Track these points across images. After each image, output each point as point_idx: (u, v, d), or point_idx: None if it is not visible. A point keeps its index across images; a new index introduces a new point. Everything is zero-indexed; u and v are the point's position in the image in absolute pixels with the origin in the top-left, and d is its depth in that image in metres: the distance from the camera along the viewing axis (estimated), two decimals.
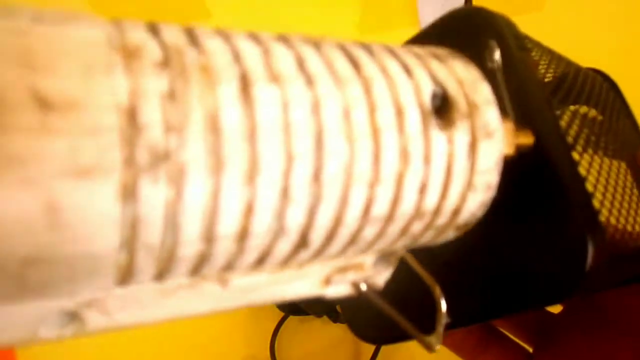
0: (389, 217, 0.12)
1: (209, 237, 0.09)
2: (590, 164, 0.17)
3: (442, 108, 0.12)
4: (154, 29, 0.10)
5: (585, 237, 0.15)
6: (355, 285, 0.13)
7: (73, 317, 0.10)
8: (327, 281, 0.13)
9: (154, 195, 0.08)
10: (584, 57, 0.52)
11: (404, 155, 0.11)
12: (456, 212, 0.13)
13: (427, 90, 0.12)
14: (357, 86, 0.11)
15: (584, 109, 0.20)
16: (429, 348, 0.15)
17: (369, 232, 0.12)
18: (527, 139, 0.15)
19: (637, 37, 0.50)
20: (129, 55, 0.09)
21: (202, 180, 0.09)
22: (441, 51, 0.14)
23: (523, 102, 0.16)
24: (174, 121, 0.09)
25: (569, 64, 0.20)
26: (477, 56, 0.16)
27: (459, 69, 0.13)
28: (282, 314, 0.39)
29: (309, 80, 0.10)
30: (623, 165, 0.19)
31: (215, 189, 0.09)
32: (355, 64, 0.11)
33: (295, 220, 0.10)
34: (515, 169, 0.15)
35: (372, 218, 0.11)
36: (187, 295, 0.11)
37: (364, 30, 0.57)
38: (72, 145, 0.08)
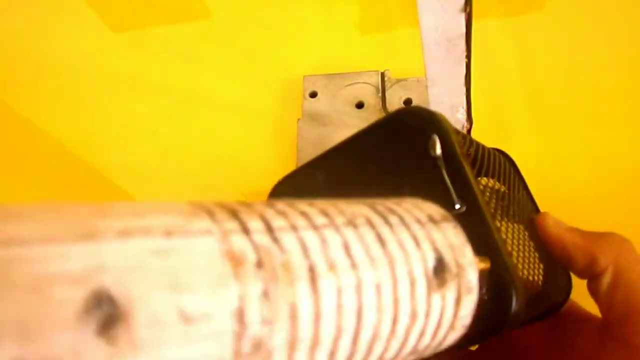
0: (396, 356, 0.15)
1: None
2: (506, 229, 0.22)
3: (438, 269, 0.15)
4: (245, 228, 0.12)
5: (511, 285, 0.19)
6: None
7: None
8: None
9: None
10: (584, 56, 0.52)
11: (413, 315, 0.14)
12: (439, 345, 0.17)
13: (431, 259, 0.15)
14: (385, 265, 0.14)
15: (491, 182, 0.25)
16: None
17: None
18: (485, 265, 0.20)
19: (637, 37, 0.50)
20: (237, 263, 0.11)
21: (281, 356, 0.11)
22: (436, 214, 0.17)
23: (459, 184, 0.21)
24: (267, 316, 0.11)
25: (478, 144, 0.26)
26: (421, 147, 0.22)
27: (450, 235, 0.17)
28: None
29: (354, 265, 0.13)
30: (522, 227, 0.24)
31: None
32: (382, 242, 0.14)
33: None
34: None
35: (384, 359, 0.15)
36: None
37: (364, 30, 0.57)
38: (204, 347, 0.10)
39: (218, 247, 0.11)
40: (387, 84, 0.48)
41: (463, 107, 0.36)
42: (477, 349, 0.28)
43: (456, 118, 0.37)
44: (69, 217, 0.09)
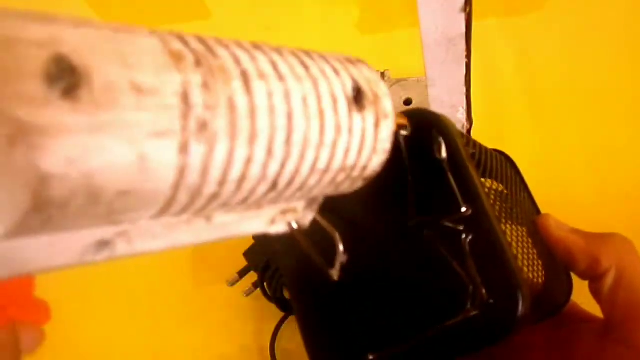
0: (326, 170, 0.17)
1: (223, 180, 0.14)
2: (511, 232, 0.22)
3: (358, 97, 0.18)
4: (183, 40, 0.13)
5: (517, 289, 0.19)
6: (289, 225, 0.19)
7: (106, 245, 0.14)
8: (273, 221, 0.19)
9: (197, 151, 0.13)
10: (584, 56, 0.52)
11: (338, 128, 0.17)
12: (365, 168, 0.18)
13: (349, 85, 0.17)
14: (309, 82, 0.16)
15: (494, 184, 0.25)
16: (331, 277, 0.22)
17: (313, 179, 0.17)
18: (403, 120, 0.22)
19: (637, 37, 0.50)
20: (177, 59, 0.13)
21: (225, 142, 0.13)
22: (353, 58, 0.19)
23: (465, 187, 0.21)
24: (210, 102, 0.13)
25: (480, 146, 0.26)
26: (427, 147, 0.22)
27: (366, 71, 0.19)
28: (282, 314, 0.39)
29: (281, 77, 0.15)
30: (524, 229, 0.24)
31: (231, 148, 0.13)
32: (305, 67, 0.16)
33: (273, 170, 0.15)
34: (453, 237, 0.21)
35: (316, 170, 0.17)
36: (184, 228, 0.16)
37: (364, 30, 0.57)
38: (155, 117, 0.12)
39: (160, 45, 0.13)
40: (387, 84, 0.48)
41: (463, 107, 0.36)
42: None
43: (456, 118, 0.37)
44: (29, 11, 0.11)
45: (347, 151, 0.17)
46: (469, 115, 0.38)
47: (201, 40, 0.14)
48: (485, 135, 0.27)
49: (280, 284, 0.38)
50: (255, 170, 0.14)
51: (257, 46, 0.16)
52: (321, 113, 0.16)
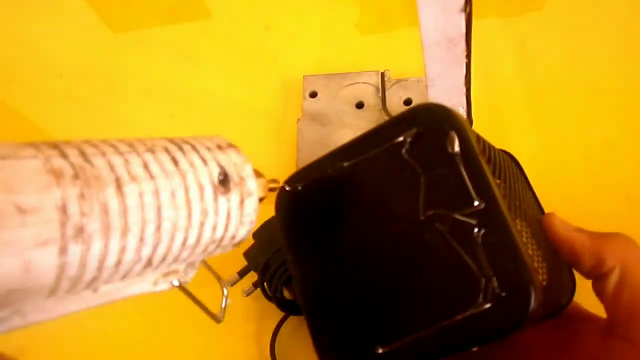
0: (196, 244, 0.20)
1: (101, 267, 0.16)
2: (520, 228, 0.23)
3: (224, 181, 0.21)
4: (63, 154, 0.16)
5: (529, 283, 0.20)
6: (172, 283, 0.22)
7: (3, 320, 0.16)
8: (156, 283, 0.21)
9: (75, 251, 0.15)
10: (584, 56, 0.52)
11: (204, 212, 0.20)
12: (233, 237, 0.22)
13: (215, 172, 0.20)
14: (177, 177, 0.19)
15: (497, 180, 0.25)
16: (217, 320, 0.24)
17: (185, 253, 0.20)
18: (276, 184, 0.25)
19: (637, 37, 0.50)
20: (58, 176, 0.15)
21: (99, 240, 0.16)
22: (224, 143, 0.22)
23: (477, 181, 0.21)
24: (85, 210, 0.15)
25: (490, 145, 0.26)
26: (438, 141, 0.22)
27: (233, 156, 0.22)
28: (282, 314, 0.39)
29: (151, 177, 0.18)
30: (529, 230, 0.24)
31: (105, 243, 0.16)
32: (175, 162, 0.19)
33: (146, 253, 0.18)
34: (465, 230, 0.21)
35: (187, 247, 0.19)
36: (73, 299, 0.18)
37: (364, 30, 0.57)
38: (36, 231, 0.14)
39: (42, 166, 0.15)
40: (387, 84, 0.48)
41: (463, 107, 0.37)
42: (478, 348, 0.28)
43: None
44: None
45: (214, 228, 0.20)
46: (469, 115, 0.38)
47: (81, 152, 0.16)
48: (485, 135, 0.27)
49: (280, 283, 0.38)
50: (129, 256, 0.17)
51: (132, 147, 0.18)
52: (188, 202, 0.19)
